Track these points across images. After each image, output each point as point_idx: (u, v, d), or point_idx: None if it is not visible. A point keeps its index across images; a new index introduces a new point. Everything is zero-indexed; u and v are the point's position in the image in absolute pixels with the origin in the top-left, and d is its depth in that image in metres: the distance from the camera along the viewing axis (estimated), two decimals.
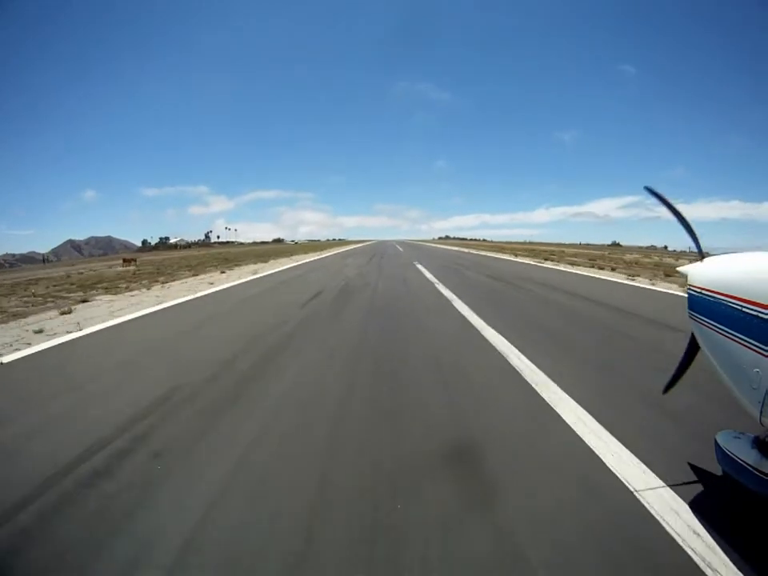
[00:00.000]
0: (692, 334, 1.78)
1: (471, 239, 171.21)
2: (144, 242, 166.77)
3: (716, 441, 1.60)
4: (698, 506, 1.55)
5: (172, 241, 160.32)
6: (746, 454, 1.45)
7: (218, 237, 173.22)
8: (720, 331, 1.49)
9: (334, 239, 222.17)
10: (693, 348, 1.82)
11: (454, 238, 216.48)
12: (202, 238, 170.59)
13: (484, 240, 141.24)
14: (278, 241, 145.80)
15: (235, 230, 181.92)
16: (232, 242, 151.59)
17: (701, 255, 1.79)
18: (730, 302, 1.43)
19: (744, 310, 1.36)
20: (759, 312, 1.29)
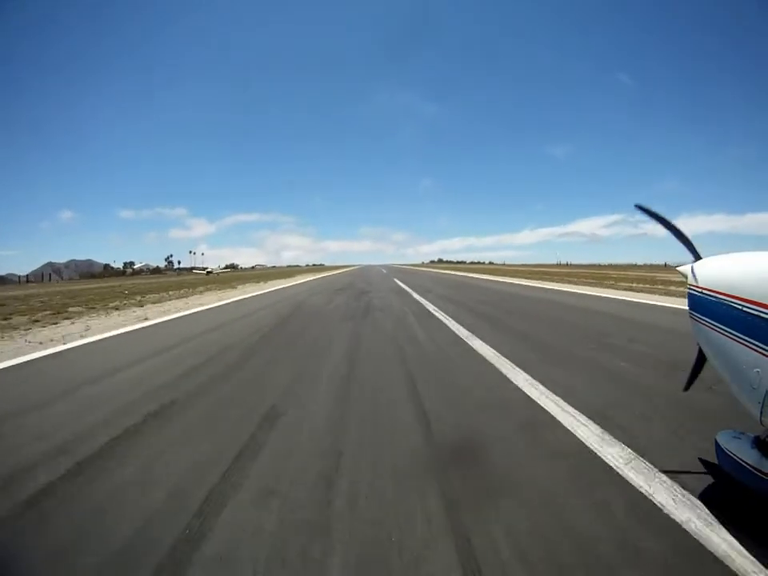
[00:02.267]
0: None
1: (471, 263, 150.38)
2: (106, 266, 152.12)
3: (716, 441, 1.61)
4: None
5: (137, 266, 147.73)
6: (746, 454, 1.45)
7: (179, 262, 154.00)
8: (720, 331, 1.49)
9: (314, 264, 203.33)
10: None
11: (447, 262, 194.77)
12: (164, 263, 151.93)
13: (490, 263, 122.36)
14: (233, 267, 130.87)
15: (202, 254, 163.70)
16: (190, 269, 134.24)
17: (695, 258, 1.81)
18: (731, 302, 1.43)
19: (744, 309, 1.35)
20: (760, 312, 1.29)
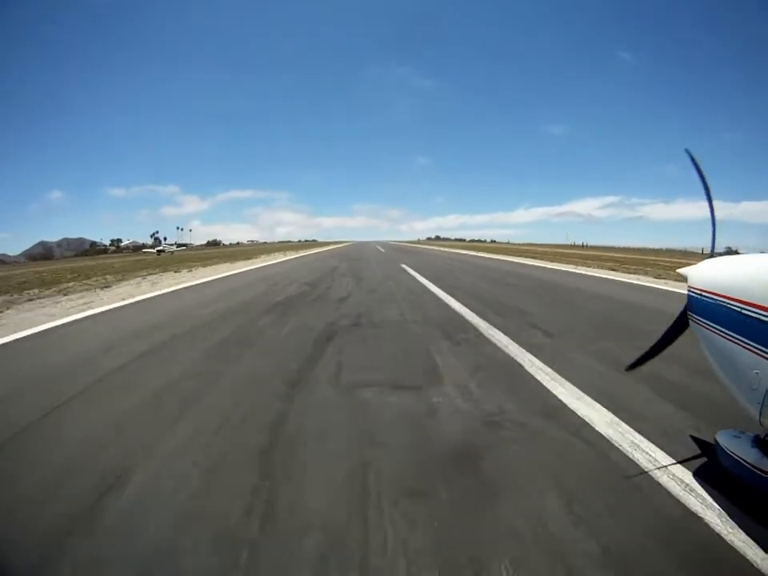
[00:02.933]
0: (675, 319, 1.82)
1: (471, 241, 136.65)
2: (92, 244, 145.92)
3: (716, 440, 1.61)
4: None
5: (124, 243, 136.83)
6: (746, 453, 1.46)
7: (165, 238, 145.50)
8: (719, 333, 1.48)
9: (306, 240, 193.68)
10: (673, 333, 1.84)
11: (445, 239, 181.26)
12: (152, 240, 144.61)
13: (492, 242, 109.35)
14: (215, 244, 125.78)
15: (190, 230, 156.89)
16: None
17: (712, 253, 1.82)
18: (730, 304, 1.42)
19: (744, 311, 1.35)
20: (759, 314, 1.28)
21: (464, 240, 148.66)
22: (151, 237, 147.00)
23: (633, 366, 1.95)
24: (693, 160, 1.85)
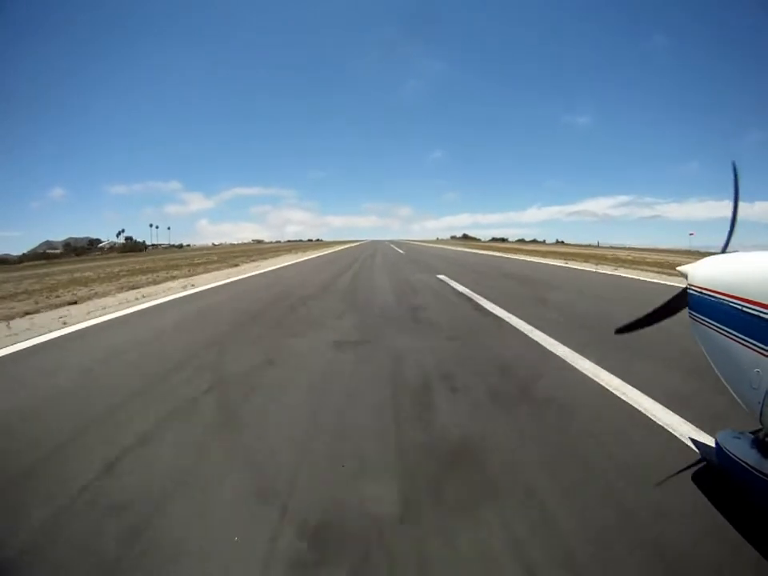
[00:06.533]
0: (674, 295, 1.90)
1: (520, 241, 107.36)
2: (67, 245, 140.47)
3: (716, 440, 1.66)
4: None
5: (102, 244, 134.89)
6: (746, 454, 1.48)
7: (133, 238, 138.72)
8: (720, 331, 1.53)
9: (309, 240, 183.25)
10: (670, 307, 1.93)
11: (472, 239, 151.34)
12: (122, 240, 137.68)
13: (559, 242, 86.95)
14: (135, 247, 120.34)
15: (168, 228, 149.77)
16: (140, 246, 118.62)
17: (722, 251, 1.83)
18: (730, 302, 1.46)
19: (744, 309, 1.38)
20: (760, 312, 1.32)
21: (505, 240, 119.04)
22: (117, 236, 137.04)
23: (620, 331, 2.07)
24: (735, 174, 1.88)
